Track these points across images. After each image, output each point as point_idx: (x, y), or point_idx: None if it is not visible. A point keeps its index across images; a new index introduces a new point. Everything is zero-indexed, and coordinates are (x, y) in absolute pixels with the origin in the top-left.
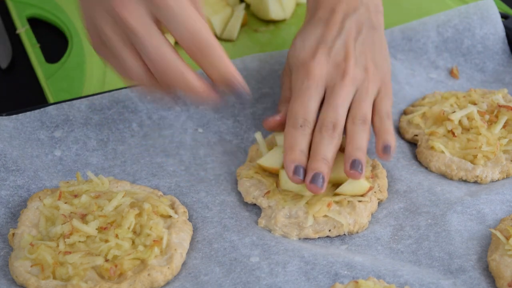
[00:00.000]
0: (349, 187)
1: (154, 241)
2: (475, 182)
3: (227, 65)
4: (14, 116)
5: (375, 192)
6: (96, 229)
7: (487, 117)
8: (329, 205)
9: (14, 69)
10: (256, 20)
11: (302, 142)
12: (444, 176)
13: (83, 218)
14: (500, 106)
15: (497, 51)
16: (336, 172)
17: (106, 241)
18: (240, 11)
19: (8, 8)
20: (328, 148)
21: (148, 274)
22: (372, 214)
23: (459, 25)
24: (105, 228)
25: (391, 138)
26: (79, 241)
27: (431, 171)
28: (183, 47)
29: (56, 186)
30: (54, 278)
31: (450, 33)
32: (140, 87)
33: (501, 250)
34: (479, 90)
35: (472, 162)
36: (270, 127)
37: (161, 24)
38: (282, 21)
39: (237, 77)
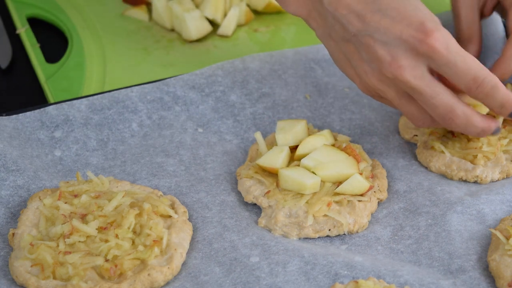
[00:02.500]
0: (349, 186)
1: (154, 241)
2: (475, 182)
3: (508, 99)
4: (14, 116)
5: (374, 191)
6: (96, 229)
7: None
8: (329, 204)
9: (14, 69)
10: (256, 20)
11: None
12: (444, 176)
13: (83, 218)
14: None
15: (497, 51)
16: (336, 171)
17: (106, 241)
18: (237, 8)
19: (8, 8)
20: None
21: (148, 274)
22: (372, 214)
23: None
24: (105, 228)
25: None
26: (79, 241)
27: (431, 171)
28: (463, 89)
29: (56, 186)
30: (54, 278)
31: (450, 32)
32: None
33: (501, 250)
34: None
35: (472, 162)
36: None
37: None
38: (282, 21)
39: (510, 101)
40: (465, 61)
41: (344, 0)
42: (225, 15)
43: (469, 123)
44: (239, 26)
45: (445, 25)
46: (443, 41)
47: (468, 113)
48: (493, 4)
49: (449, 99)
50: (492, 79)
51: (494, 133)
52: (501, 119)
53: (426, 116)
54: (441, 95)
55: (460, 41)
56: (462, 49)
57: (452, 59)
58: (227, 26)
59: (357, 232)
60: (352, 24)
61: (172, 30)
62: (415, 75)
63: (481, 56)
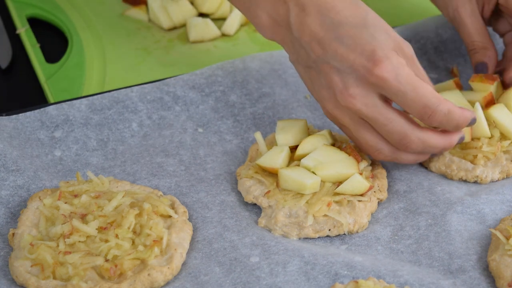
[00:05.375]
0: (349, 186)
1: (154, 241)
2: (475, 182)
3: (463, 120)
4: (14, 116)
5: (374, 191)
6: (96, 229)
7: None
8: (329, 204)
9: (14, 69)
10: None
11: None
12: (444, 176)
13: (83, 218)
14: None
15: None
16: (336, 171)
17: (106, 241)
18: None
19: (8, 8)
20: None
21: (148, 274)
22: (372, 214)
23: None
24: (105, 228)
25: None
26: (79, 241)
27: (431, 171)
28: (415, 117)
29: (56, 186)
30: (54, 278)
31: (449, 34)
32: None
33: (501, 250)
34: None
35: (472, 162)
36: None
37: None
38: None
39: (469, 116)
40: (415, 90)
41: (308, 28)
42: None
43: (426, 145)
44: (239, 26)
45: (416, 37)
46: (392, 71)
47: (422, 137)
48: (491, 8)
49: (402, 125)
50: (445, 106)
51: (459, 141)
52: (478, 110)
53: (383, 144)
54: (394, 122)
55: (475, 51)
56: (415, 78)
57: (402, 89)
58: (230, 25)
59: (357, 232)
60: (314, 51)
61: (171, 30)
62: (366, 103)
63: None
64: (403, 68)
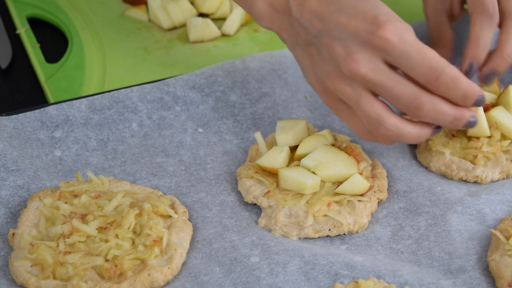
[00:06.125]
0: (349, 186)
1: (154, 241)
2: (475, 182)
3: (472, 89)
4: (14, 116)
5: (374, 191)
6: (96, 229)
7: None
8: (329, 204)
9: (14, 69)
10: None
11: (488, 36)
12: (444, 176)
13: (83, 218)
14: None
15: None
16: (336, 171)
17: (106, 241)
18: (240, 7)
19: (8, 8)
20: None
21: (148, 274)
22: (372, 214)
23: (458, 26)
24: (105, 228)
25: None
26: (79, 241)
27: (431, 171)
28: (422, 82)
29: (56, 186)
30: (54, 278)
31: None
32: (387, 139)
33: (501, 250)
34: None
35: (472, 162)
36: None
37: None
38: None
39: (478, 91)
40: (420, 52)
41: (308, 6)
42: (218, 8)
43: (438, 110)
44: (239, 26)
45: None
46: (396, 32)
47: (435, 100)
48: (459, 5)
49: (412, 87)
50: (452, 70)
51: (469, 125)
52: (479, 109)
53: (387, 114)
54: (403, 84)
55: (432, 45)
56: (419, 42)
57: (407, 50)
58: (230, 25)
59: (357, 232)
60: (314, 26)
61: (171, 30)
62: (371, 67)
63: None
64: (407, 31)
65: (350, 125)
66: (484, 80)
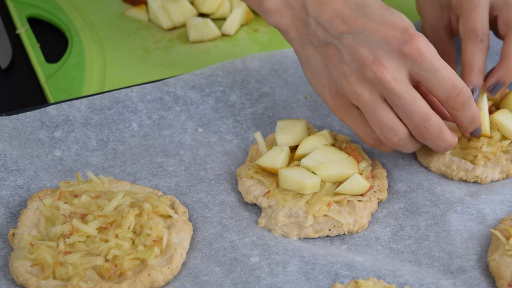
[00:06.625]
0: (349, 186)
1: (154, 241)
2: (475, 182)
3: (478, 114)
4: (14, 116)
5: (374, 191)
6: (96, 229)
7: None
8: (329, 204)
9: (14, 69)
10: (256, 20)
11: (481, 60)
12: (444, 176)
13: (83, 218)
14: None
15: (497, 51)
16: (336, 171)
17: (106, 241)
18: (240, 7)
19: (8, 8)
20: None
21: (148, 274)
22: (372, 214)
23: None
24: (105, 228)
25: None
26: (79, 241)
27: (431, 171)
28: (442, 97)
29: (56, 186)
30: (54, 278)
31: None
32: (392, 147)
33: (501, 250)
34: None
35: (472, 162)
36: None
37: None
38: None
39: (478, 120)
40: (446, 68)
41: (329, 7)
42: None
43: (441, 134)
44: (239, 26)
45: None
46: (427, 46)
47: (441, 125)
48: (457, 22)
49: (426, 107)
50: (468, 91)
51: (475, 135)
52: (484, 108)
53: (400, 125)
54: (418, 102)
55: None
56: (441, 59)
57: (435, 64)
58: (230, 25)
59: (357, 232)
60: (335, 27)
61: (171, 30)
62: (395, 77)
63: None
64: (433, 47)
65: (357, 130)
66: (491, 92)
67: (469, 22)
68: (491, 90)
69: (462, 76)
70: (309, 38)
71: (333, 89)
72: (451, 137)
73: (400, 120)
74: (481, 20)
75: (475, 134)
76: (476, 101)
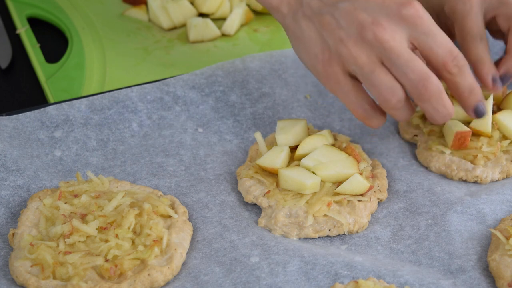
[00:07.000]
0: (349, 186)
1: (154, 241)
2: (475, 182)
3: (476, 85)
4: (14, 116)
5: (374, 191)
6: (96, 229)
7: None
8: (329, 204)
9: (14, 69)
10: (256, 20)
11: (488, 54)
12: (444, 176)
13: (83, 218)
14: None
15: (497, 51)
16: (336, 171)
17: (106, 241)
18: (240, 7)
19: (8, 8)
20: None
21: (148, 274)
22: (372, 214)
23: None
24: (105, 228)
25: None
26: (79, 241)
27: (431, 171)
28: (439, 62)
29: (56, 186)
30: (54, 278)
31: None
32: (389, 111)
33: (501, 250)
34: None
35: (472, 162)
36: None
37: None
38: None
39: (481, 97)
40: (442, 34)
41: None
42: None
43: (440, 96)
44: (239, 26)
45: None
46: (424, 11)
47: (440, 87)
48: (453, 26)
49: (425, 66)
50: (463, 57)
51: (480, 114)
52: (488, 105)
53: (398, 86)
54: (418, 61)
55: None
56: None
57: (433, 29)
58: (230, 25)
59: (357, 232)
60: None
61: (171, 30)
62: (394, 36)
63: None
64: (429, 14)
65: (347, 101)
66: (500, 83)
67: (465, 27)
68: (500, 81)
69: (476, 73)
70: (302, 11)
71: (326, 57)
72: (449, 104)
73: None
74: (477, 23)
75: (479, 113)
76: (501, 86)
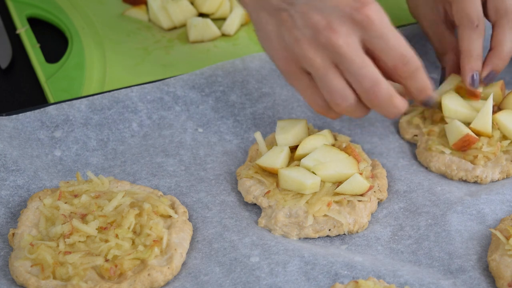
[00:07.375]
0: (349, 186)
1: (154, 241)
2: (475, 182)
3: (427, 85)
4: (14, 116)
5: (374, 191)
6: (96, 229)
7: None
8: (329, 204)
9: (14, 69)
10: None
11: (479, 46)
12: (444, 176)
13: (83, 218)
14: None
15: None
16: (336, 171)
17: (106, 241)
18: (240, 7)
19: (8, 8)
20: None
21: (148, 274)
22: (372, 214)
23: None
24: (105, 228)
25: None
26: (79, 241)
27: (431, 171)
28: (390, 65)
29: (56, 186)
30: (54, 278)
31: None
32: (341, 113)
33: (501, 250)
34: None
35: (472, 162)
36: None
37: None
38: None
39: (431, 93)
40: (396, 37)
41: None
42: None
43: (390, 100)
44: (239, 26)
45: (416, 37)
46: (379, 14)
47: (391, 91)
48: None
49: (376, 72)
50: (417, 61)
51: (428, 106)
52: (488, 106)
53: (349, 91)
54: (369, 67)
55: (438, 54)
56: (393, 27)
57: (386, 33)
58: (230, 25)
59: (357, 232)
60: None
61: (171, 30)
62: (348, 42)
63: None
64: (385, 15)
65: (305, 96)
66: (485, 81)
67: (463, 9)
68: (485, 79)
69: (461, 62)
70: (262, 4)
71: (285, 54)
72: (400, 103)
73: (350, 86)
74: (475, 5)
75: (427, 104)
76: (477, 86)
